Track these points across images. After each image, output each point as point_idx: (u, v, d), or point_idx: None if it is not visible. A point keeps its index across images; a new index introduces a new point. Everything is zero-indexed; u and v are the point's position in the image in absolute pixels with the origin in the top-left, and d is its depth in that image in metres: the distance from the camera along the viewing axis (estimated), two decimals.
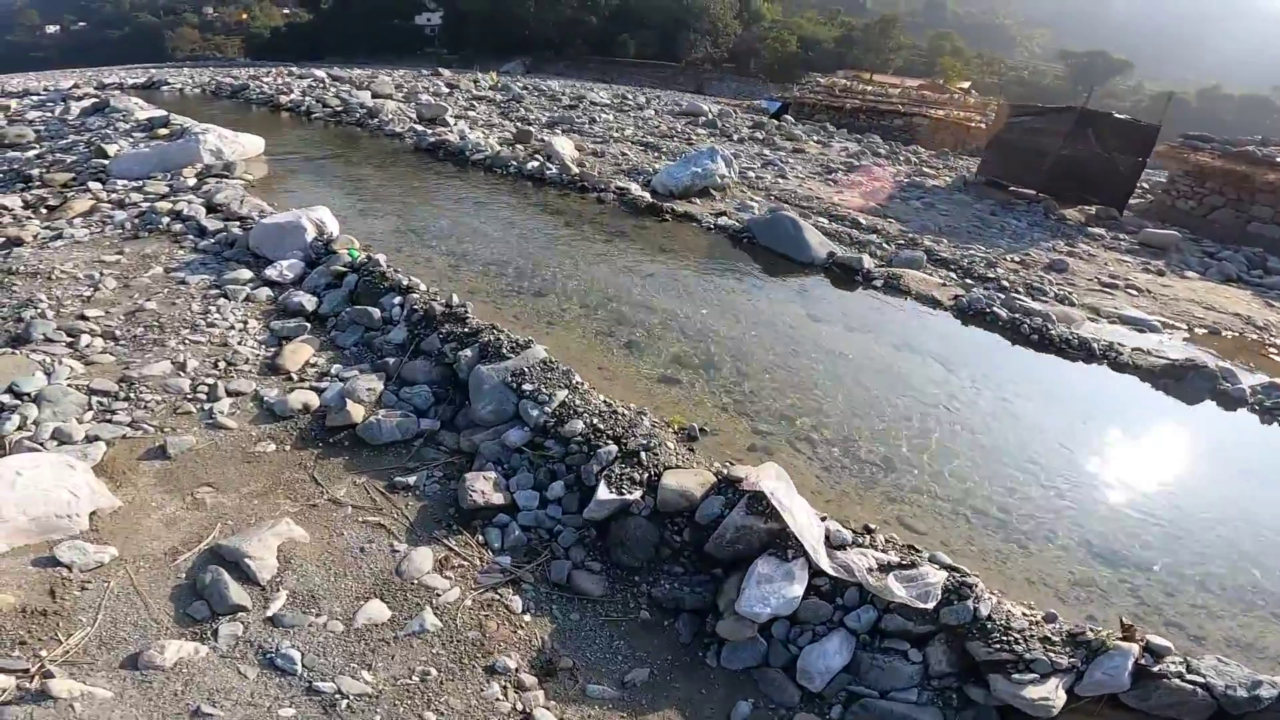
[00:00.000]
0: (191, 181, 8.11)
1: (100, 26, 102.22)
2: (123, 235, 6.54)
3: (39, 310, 5.00)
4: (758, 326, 6.16)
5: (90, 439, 3.79)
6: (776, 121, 20.13)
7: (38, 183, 8.21)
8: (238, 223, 6.84)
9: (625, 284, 6.70)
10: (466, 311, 5.12)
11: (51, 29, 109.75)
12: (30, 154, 10.98)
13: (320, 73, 29.73)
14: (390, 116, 13.17)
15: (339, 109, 14.60)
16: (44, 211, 7.26)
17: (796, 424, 4.69)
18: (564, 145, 10.92)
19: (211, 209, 7.20)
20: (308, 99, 16.24)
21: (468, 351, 4.63)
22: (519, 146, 11.41)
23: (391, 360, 4.81)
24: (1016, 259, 9.27)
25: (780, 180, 11.37)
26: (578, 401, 4.18)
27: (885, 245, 8.88)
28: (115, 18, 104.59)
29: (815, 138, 16.39)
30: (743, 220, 8.77)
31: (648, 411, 4.21)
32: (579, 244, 7.80)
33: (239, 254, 6.30)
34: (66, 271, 5.62)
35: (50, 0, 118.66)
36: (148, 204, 7.28)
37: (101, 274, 5.62)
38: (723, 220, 8.76)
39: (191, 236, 6.57)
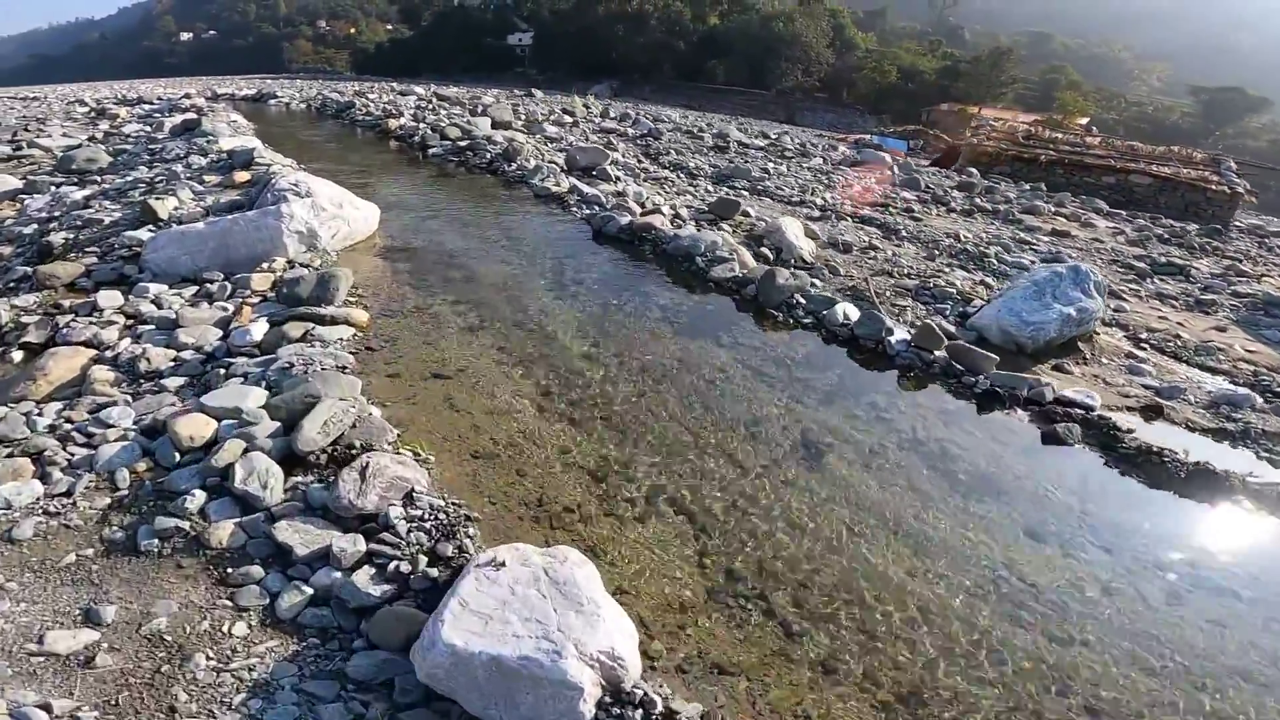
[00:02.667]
0: (256, 331, 4.13)
1: (228, 36, 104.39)
2: (101, 535, 2.76)
3: None
4: None
5: None
6: (955, 176, 15.72)
7: (43, 270, 4.81)
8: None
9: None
10: None
11: (185, 36, 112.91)
12: (78, 194, 7.83)
13: (420, 89, 26.85)
14: (532, 162, 9.51)
15: (462, 144, 11.02)
16: None
17: None
18: (795, 231, 6.97)
19: (293, 460, 2.99)
20: (422, 127, 12.79)
21: None
22: (727, 227, 7.48)
23: None
24: None
25: (1129, 312, 6.74)
26: None
27: None
28: (241, 27, 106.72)
29: (1051, 207, 11.89)
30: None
31: None
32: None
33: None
34: None
35: (186, 7, 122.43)
36: (170, 410, 3.57)
37: None
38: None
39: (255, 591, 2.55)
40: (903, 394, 4.58)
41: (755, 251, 6.73)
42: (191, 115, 13.41)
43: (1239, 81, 49.47)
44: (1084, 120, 43.76)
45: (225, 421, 3.05)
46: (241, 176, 7.73)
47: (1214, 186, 14.84)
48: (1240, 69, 61.61)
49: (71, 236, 6.26)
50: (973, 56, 48.58)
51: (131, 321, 4.14)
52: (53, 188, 8.52)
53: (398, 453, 2.98)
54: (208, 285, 4.58)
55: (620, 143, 13.59)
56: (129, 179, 8.31)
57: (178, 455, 2.95)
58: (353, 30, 68.88)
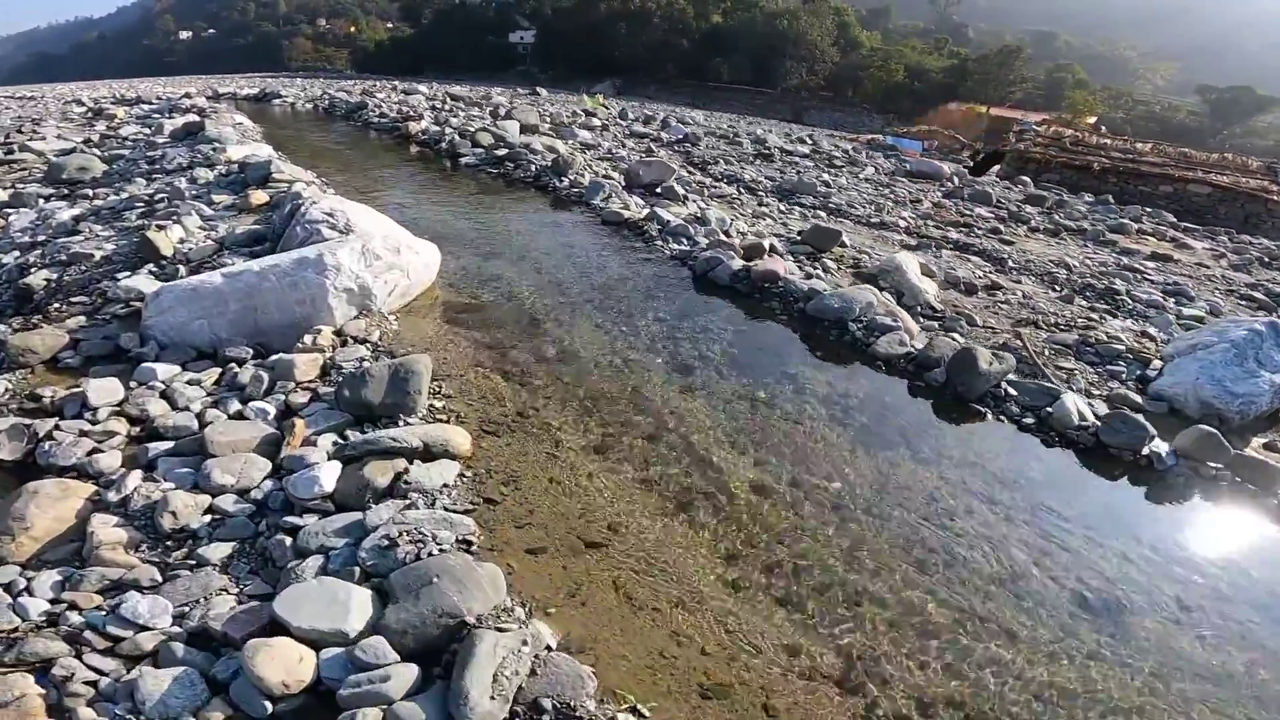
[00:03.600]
0: (326, 476, 2.59)
1: (228, 35, 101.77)
2: None
3: None
4: None
5: None
6: (1001, 182, 14.56)
7: (16, 342, 3.59)
8: None
9: None
10: None
11: (185, 35, 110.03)
12: (66, 214, 6.64)
13: (425, 88, 25.40)
14: (587, 177, 8.27)
15: (499, 152, 9.72)
16: None
17: None
18: (914, 270, 5.76)
19: None
20: (448, 132, 11.51)
21: None
22: (830, 262, 6.27)
23: None
24: None
25: None
26: None
27: None
28: (241, 26, 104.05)
29: (1135, 225, 10.57)
30: None
31: None
32: None
33: None
34: None
35: (186, 6, 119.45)
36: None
37: None
38: None
39: None
40: (1198, 525, 3.41)
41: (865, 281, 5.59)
42: (193, 117, 12.08)
43: (1246, 81, 48.34)
44: (1092, 120, 42.61)
45: (327, 653, 1.89)
46: (258, 197, 6.49)
47: (1275, 197, 13.69)
48: (1248, 69, 60.37)
49: (55, 277, 5.03)
50: (980, 55, 47.25)
51: (138, 430, 2.94)
52: (40, 201, 7.28)
53: None
54: (233, 366, 3.36)
55: (659, 149, 12.35)
56: (124, 196, 7.06)
57: (269, 706, 1.79)
58: (353, 29, 66.76)
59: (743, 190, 9.47)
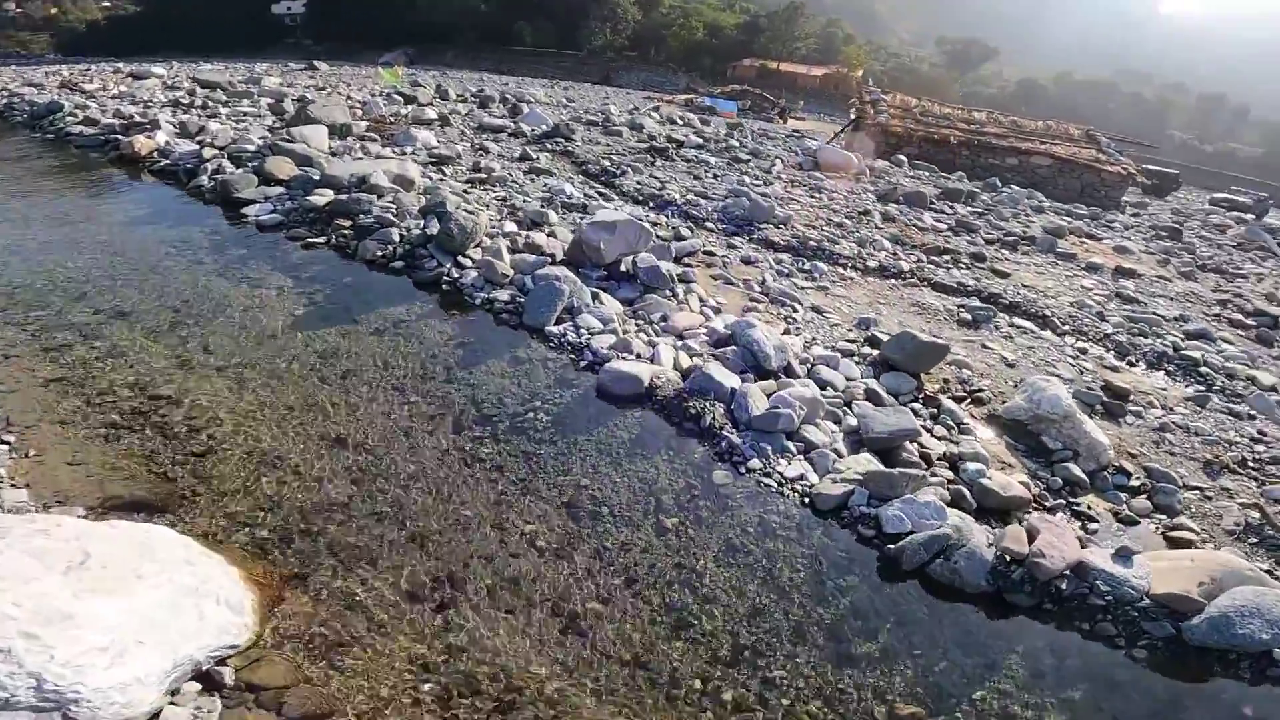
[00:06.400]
0: None
1: None
2: None
3: None
4: None
5: None
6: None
7: None
8: None
9: None
10: None
11: None
12: None
13: (160, 70, 17.81)
14: (507, 258, 4.73)
15: (317, 197, 5.65)
16: None
17: None
18: (1066, 400, 3.55)
19: None
20: (209, 154, 7.00)
21: None
22: (930, 387, 3.78)
23: None
24: None
25: None
26: None
27: None
28: None
29: (1068, 224, 9.39)
30: None
31: None
32: None
33: None
34: None
35: None
36: None
37: None
38: None
39: None
40: None
41: (1030, 469, 3.30)
42: None
43: (979, 32, 54.13)
44: (859, 73, 45.03)
45: None
46: None
47: (1108, 168, 14.01)
48: (975, 19, 67.61)
49: None
50: (770, 12, 47.43)
51: None
52: None
53: None
54: None
55: (530, 151, 8.86)
56: None
57: None
58: (53, 11, 47.82)
59: (688, 223, 6.62)
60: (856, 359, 4.37)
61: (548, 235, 5.47)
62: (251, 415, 3.32)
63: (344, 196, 5.70)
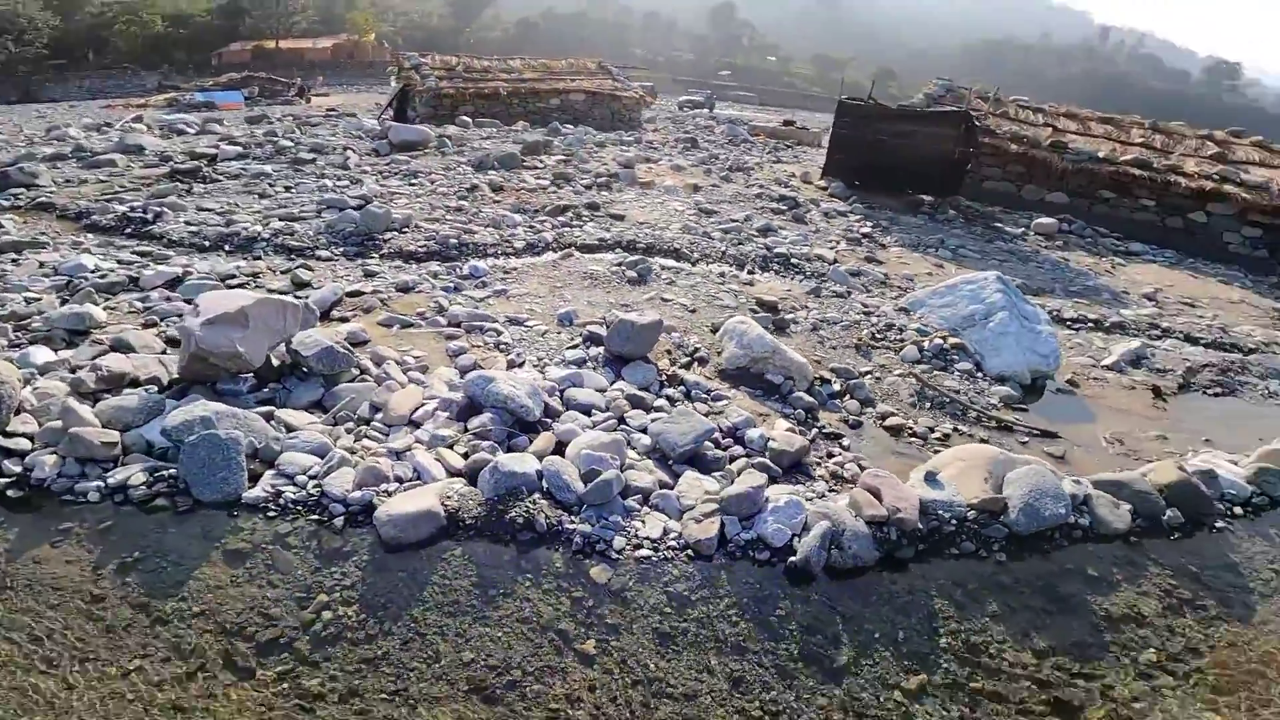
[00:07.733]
0: None
1: None
2: None
3: None
4: None
5: None
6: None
7: None
8: None
9: None
10: None
11: None
12: None
13: None
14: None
15: None
16: None
17: None
18: (793, 352, 3.76)
19: None
20: None
21: None
22: None
23: None
24: None
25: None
26: None
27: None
28: None
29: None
30: None
31: None
32: None
33: None
34: None
35: None
36: None
37: None
38: None
39: None
40: None
41: (779, 410, 3.59)
42: None
43: None
44: (371, 37, 41.84)
45: None
46: None
47: (626, 94, 16.09)
48: None
49: None
50: None
51: None
52: None
53: None
54: None
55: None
56: None
57: None
58: None
59: (305, 262, 4.91)
60: (591, 364, 3.92)
61: (124, 353, 3.32)
62: None
63: None
